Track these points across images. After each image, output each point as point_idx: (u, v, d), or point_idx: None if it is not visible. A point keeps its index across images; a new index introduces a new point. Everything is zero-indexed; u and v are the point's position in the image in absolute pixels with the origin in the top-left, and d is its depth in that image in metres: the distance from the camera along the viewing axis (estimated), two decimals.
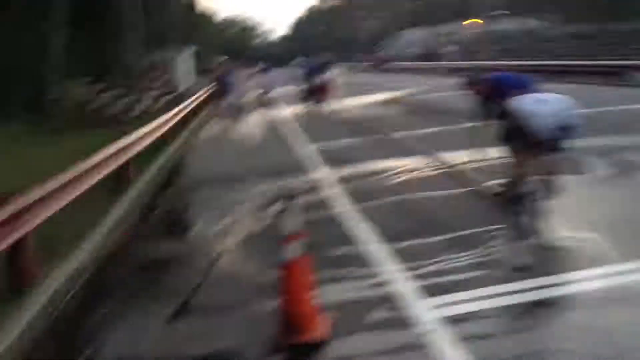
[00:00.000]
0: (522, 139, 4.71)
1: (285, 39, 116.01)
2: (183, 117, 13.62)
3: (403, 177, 6.84)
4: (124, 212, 6.13)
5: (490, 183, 5.86)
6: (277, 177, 7.38)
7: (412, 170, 7.13)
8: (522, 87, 5.11)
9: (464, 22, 56.79)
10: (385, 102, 17.49)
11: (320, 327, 3.20)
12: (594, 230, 4.45)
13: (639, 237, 4.35)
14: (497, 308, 3.36)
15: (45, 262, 4.33)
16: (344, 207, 5.74)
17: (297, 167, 8.07)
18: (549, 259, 4.10)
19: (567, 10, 45.94)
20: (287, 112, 16.91)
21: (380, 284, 3.82)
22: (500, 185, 5.44)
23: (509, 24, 52.36)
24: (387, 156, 8.14)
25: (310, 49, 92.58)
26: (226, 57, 45.46)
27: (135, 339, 3.43)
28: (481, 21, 54.54)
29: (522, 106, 4.65)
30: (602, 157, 6.79)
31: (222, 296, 3.97)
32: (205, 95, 20.24)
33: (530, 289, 3.57)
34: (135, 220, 6.18)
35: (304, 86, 17.52)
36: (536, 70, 20.99)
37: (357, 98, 18.82)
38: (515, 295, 3.51)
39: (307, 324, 3.17)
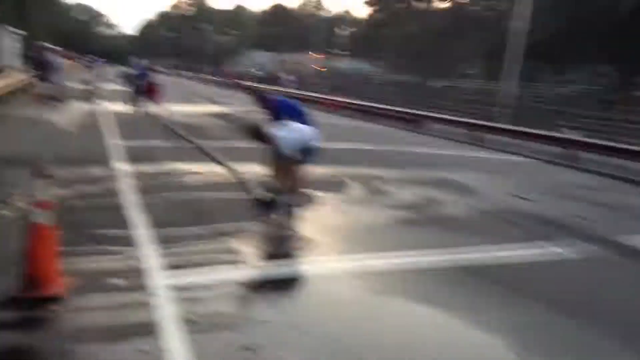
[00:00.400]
0: (278, 157, 5.67)
1: (133, 38, 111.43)
2: None
3: (190, 179, 7.41)
4: None
5: (257, 190, 6.66)
6: (77, 165, 7.49)
7: (200, 174, 7.74)
8: (294, 114, 6.09)
9: (312, 54, 60.44)
10: (210, 114, 18.01)
11: (58, 286, 3.58)
12: (326, 233, 5.47)
13: (356, 240, 5.44)
14: (223, 282, 4.06)
15: None
16: (129, 197, 6.12)
17: (101, 159, 8.21)
18: (290, 249, 4.99)
19: (397, 60, 51.42)
20: (111, 107, 16.56)
21: (130, 258, 4.30)
22: (263, 192, 6.27)
23: (347, 64, 56.98)
24: (185, 160, 8.64)
25: (157, 52, 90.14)
26: (57, 46, 42.39)
27: None
28: (322, 56, 58.51)
29: (278, 131, 5.60)
30: (362, 183, 8.07)
31: None
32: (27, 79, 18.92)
33: (260, 269, 4.37)
34: None
35: (133, 86, 17.39)
36: (356, 108, 23.45)
37: (185, 106, 19.12)
38: (244, 273, 4.26)
39: (45, 282, 3.53)
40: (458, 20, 43.49)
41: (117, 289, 3.78)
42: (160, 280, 3.94)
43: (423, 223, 6.23)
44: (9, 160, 7.73)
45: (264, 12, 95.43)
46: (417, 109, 21.06)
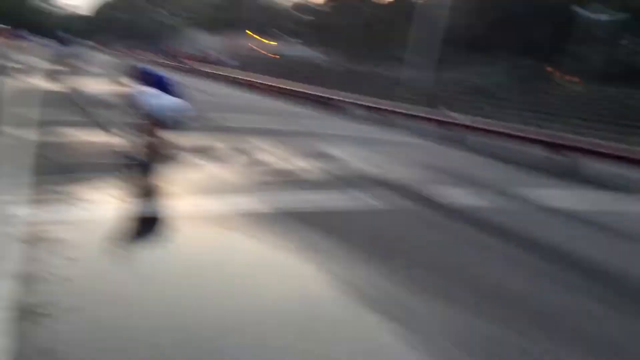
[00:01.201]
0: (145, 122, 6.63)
1: (86, 18, 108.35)
2: None
3: (84, 144, 8.22)
4: None
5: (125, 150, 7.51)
6: None
7: (92, 141, 8.55)
8: (159, 83, 7.03)
9: (262, 39, 60.90)
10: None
11: None
12: (182, 185, 6.45)
13: (203, 190, 6.41)
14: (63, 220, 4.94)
15: None
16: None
17: None
18: (143, 195, 5.92)
19: (342, 49, 52.68)
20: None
21: None
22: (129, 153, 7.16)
23: (296, 51, 57.72)
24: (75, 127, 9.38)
25: (112, 34, 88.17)
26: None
27: None
28: (275, 43, 59.08)
29: (142, 98, 6.54)
30: (239, 152, 9.07)
31: None
32: None
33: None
34: None
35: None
36: (278, 91, 24.58)
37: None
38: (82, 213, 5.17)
39: None
40: (399, 12, 44.97)
41: None
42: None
43: (272, 182, 7.25)
44: None
45: None
46: (345, 94, 22.26)
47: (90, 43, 39.63)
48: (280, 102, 21.99)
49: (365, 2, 53.15)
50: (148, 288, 3.75)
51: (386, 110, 18.38)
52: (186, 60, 42.02)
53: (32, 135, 8.30)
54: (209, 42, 64.92)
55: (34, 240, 4.17)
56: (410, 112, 17.94)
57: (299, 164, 8.60)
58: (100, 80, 18.95)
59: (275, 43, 63.42)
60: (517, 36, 26.91)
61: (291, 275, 4.28)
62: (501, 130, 14.55)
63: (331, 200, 6.55)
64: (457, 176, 9.44)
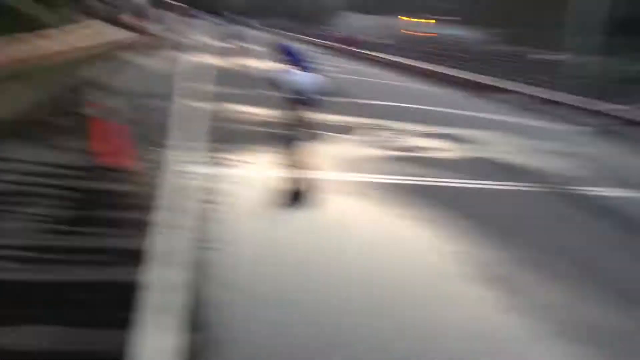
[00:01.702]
0: (290, 100, 7.48)
1: None
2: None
3: (246, 117, 9.42)
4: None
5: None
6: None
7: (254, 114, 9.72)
8: (300, 61, 7.90)
9: (420, 20, 59.95)
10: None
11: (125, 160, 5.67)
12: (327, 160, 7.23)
13: (349, 165, 7.09)
14: (227, 175, 5.96)
15: None
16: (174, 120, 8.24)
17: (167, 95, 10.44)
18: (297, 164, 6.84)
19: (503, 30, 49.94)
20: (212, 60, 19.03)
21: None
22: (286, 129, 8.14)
23: (452, 31, 56.06)
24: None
25: (261, 9, 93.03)
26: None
27: None
28: (433, 21, 57.85)
29: (287, 77, 7.39)
30: (379, 131, 9.63)
31: None
32: None
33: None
34: None
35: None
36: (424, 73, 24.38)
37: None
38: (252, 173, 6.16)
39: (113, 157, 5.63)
40: None
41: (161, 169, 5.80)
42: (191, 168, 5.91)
43: (405, 160, 7.73)
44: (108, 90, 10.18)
45: None
46: (506, 80, 21.60)
47: (253, 22, 42.61)
48: (428, 86, 21.97)
49: None
50: (295, 236, 4.56)
51: (545, 99, 17.52)
52: (340, 42, 42.06)
53: (205, 106, 9.71)
54: (365, 23, 65.27)
55: (207, 191, 5.23)
56: (572, 103, 16.91)
57: (434, 145, 8.94)
58: (259, 58, 20.65)
59: (430, 21, 61.99)
60: None
61: (416, 245, 4.79)
62: None
63: (457, 179, 6.88)
64: (610, 171, 9.01)
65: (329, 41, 39.73)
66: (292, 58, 8.06)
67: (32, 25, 11.18)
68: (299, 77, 7.55)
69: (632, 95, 17.51)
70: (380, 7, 76.98)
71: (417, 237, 4.91)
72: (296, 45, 9.07)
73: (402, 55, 35.55)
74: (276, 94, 8.32)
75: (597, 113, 15.24)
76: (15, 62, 8.94)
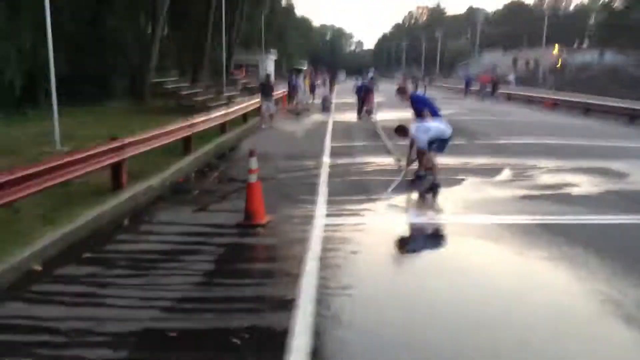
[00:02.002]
0: (418, 147, 7.77)
1: (371, 52, 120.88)
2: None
3: (367, 167, 9.79)
4: (184, 165, 9.55)
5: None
6: (294, 159, 10.62)
7: (376, 163, 10.05)
8: (429, 108, 8.14)
9: (554, 51, 57.42)
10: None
11: (263, 218, 6.28)
12: (459, 202, 7.25)
13: (481, 208, 7.04)
14: (362, 224, 6.29)
15: (130, 180, 7.74)
16: (322, 178, 8.82)
17: (313, 154, 11.22)
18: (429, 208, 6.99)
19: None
20: (338, 117, 20.09)
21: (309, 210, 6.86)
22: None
23: (586, 57, 52.69)
24: (372, 154, 11.07)
25: (393, 62, 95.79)
26: (306, 63, 49.76)
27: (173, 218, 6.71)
28: (559, 50, 55.07)
29: (423, 124, 7.70)
30: (514, 170, 9.37)
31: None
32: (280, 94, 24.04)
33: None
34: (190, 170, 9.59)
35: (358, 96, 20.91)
36: (570, 105, 22.96)
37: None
38: (383, 219, 6.44)
39: (256, 215, 6.27)
40: None
41: (295, 223, 6.33)
42: (321, 221, 6.37)
43: (544, 198, 7.43)
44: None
45: (497, 11, 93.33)
46: None
47: (376, 73, 43.97)
48: (574, 118, 20.83)
49: None
50: (418, 282, 4.66)
51: None
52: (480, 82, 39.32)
53: (340, 161, 10.31)
54: (498, 61, 63.87)
55: (334, 239, 5.60)
56: None
57: (575, 181, 8.48)
58: (388, 109, 21.24)
59: (560, 50, 58.80)
60: None
61: (549, 286, 4.62)
62: None
63: (600, 215, 6.45)
64: None
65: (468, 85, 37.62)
66: (420, 106, 8.37)
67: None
68: (428, 125, 7.87)
69: None
70: (511, 42, 75.44)
71: (551, 278, 4.73)
72: (423, 93, 9.45)
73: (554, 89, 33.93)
74: (407, 142, 8.63)
75: None
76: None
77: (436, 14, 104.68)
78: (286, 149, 12.25)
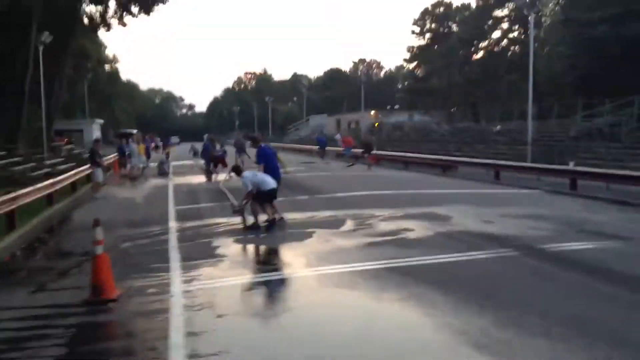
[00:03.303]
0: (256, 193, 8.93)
1: (203, 115, 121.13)
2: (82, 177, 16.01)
3: (215, 229, 9.74)
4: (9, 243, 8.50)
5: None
6: (138, 225, 10.09)
7: (222, 224, 10.05)
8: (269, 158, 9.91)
9: (371, 112, 63.28)
10: None
11: (112, 293, 5.84)
12: (305, 254, 7.51)
13: (327, 258, 7.39)
14: (221, 285, 6.18)
15: None
16: (171, 243, 8.51)
17: (157, 220, 10.78)
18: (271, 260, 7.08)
19: (444, 110, 53.25)
20: (178, 180, 19.62)
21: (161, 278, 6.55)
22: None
23: (398, 118, 59.26)
24: (218, 215, 11.04)
25: (225, 126, 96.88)
26: (135, 130, 48.21)
27: None
28: (374, 114, 61.15)
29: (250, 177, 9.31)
30: (355, 220, 10.07)
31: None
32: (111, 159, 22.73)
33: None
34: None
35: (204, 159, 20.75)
36: (391, 159, 25.45)
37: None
38: (238, 279, 6.38)
39: (104, 290, 5.80)
40: (493, 66, 44.98)
41: (150, 293, 5.99)
42: (178, 287, 6.12)
43: (386, 244, 8.08)
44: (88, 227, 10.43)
45: (319, 78, 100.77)
46: (452, 155, 22.66)
47: (211, 136, 44.21)
48: (398, 171, 22.99)
49: (453, 64, 53.68)
50: (287, 338, 4.71)
51: (492, 165, 18.53)
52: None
53: (189, 224, 10.06)
54: (320, 122, 68.33)
55: (195, 305, 5.44)
56: (520, 165, 17.97)
57: (409, 226, 9.36)
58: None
59: (376, 113, 65.35)
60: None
61: (404, 324, 5.01)
62: (617, 173, 14.17)
63: (436, 255, 7.22)
64: (574, 224, 9.55)
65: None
66: (260, 160, 10.09)
67: None
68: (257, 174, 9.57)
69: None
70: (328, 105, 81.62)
71: (407, 316, 5.14)
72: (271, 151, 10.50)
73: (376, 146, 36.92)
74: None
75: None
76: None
77: (263, 79, 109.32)
78: (127, 216, 11.61)
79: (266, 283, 6.39)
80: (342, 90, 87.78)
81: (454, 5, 59.96)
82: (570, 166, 14.96)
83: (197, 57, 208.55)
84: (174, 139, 66.29)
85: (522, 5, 23.37)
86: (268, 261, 7.59)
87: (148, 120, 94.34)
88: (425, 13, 61.21)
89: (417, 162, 23.94)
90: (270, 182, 9.61)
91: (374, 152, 25.73)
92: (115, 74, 65.67)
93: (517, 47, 48.58)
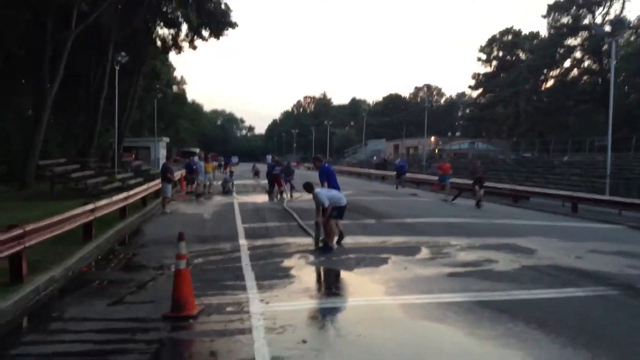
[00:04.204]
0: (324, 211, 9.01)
1: (262, 137, 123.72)
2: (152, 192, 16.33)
3: (284, 248, 9.51)
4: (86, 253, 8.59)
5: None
6: (213, 242, 10.03)
7: (290, 244, 9.82)
8: (331, 177, 9.86)
9: (431, 138, 62.62)
10: None
11: (193, 309, 5.68)
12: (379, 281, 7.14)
13: (404, 286, 6.98)
14: (299, 308, 5.90)
15: (31, 272, 6.75)
16: (244, 261, 8.34)
17: (227, 237, 10.71)
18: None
19: (510, 138, 51.70)
20: (242, 198, 19.73)
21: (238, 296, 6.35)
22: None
23: (461, 145, 58.15)
24: (286, 234, 10.84)
25: (284, 148, 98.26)
26: (198, 149, 49.53)
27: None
28: (433, 140, 60.36)
29: (325, 192, 9.28)
30: (431, 248, 9.60)
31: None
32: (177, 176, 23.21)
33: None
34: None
35: (268, 178, 20.89)
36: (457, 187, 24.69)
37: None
38: (315, 301, 6.09)
39: (185, 306, 5.65)
40: (562, 96, 43.32)
41: (229, 312, 5.79)
42: (257, 307, 5.90)
43: (470, 275, 7.58)
44: (160, 241, 10.51)
45: (378, 102, 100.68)
46: (527, 185, 21.66)
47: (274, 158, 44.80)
48: (461, 198, 22.24)
49: (521, 92, 52.13)
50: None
51: (569, 197, 17.51)
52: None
53: (258, 242, 9.91)
54: (378, 147, 68.21)
55: (276, 328, 5.18)
56: (599, 198, 16.90)
57: (490, 257, 8.81)
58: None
59: (435, 140, 64.43)
60: None
61: None
62: None
63: (528, 290, 6.67)
64: None
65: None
66: (323, 178, 9.97)
67: None
68: (328, 191, 9.50)
69: None
70: (390, 132, 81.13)
71: (509, 357, 4.67)
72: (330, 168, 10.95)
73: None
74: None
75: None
76: None
77: (322, 103, 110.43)
78: (197, 231, 11.61)
79: (347, 309, 6.06)
80: (400, 116, 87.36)
81: (523, 33, 58.52)
82: None
83: (259, 80, 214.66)
84: (234, 159, 67.83)
85: (600, 33, 22.33)
86: (346, 286, 7.24)
87: (210, 140, 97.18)
88: (492, 40, 60.14)
89: (487, 191, 23.03)
90: (343, 198, 9.43)
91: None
92: (182, 95, 68.03)
93: (587, 77, 46.73)
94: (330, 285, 7.27)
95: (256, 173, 35.58)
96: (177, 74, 65.86)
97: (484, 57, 60.73)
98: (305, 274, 7.69)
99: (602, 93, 38.96)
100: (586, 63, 47.93)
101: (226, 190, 22.75)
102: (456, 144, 58.06)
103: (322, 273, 7.91)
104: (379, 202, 18.79)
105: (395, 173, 29.61)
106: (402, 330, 5.37)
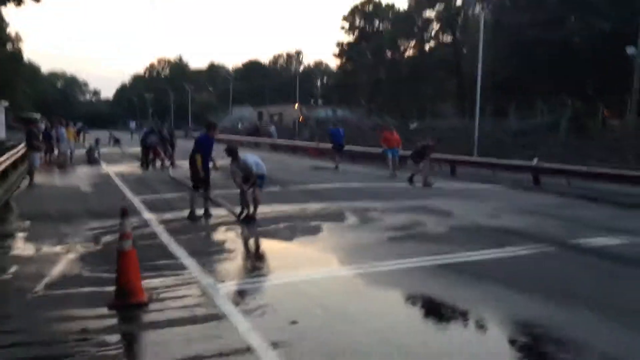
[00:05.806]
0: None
1: (110, 102, 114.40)
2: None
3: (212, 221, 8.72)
4: None
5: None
6: (112, 217, 8.76)
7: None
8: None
9: (294, 106, 62.59)
10: None
11: (142, 295, 4.79)
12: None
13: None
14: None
15: None
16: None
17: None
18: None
19: (371, 105, 53.98)
20: (113, 168, 17.87)
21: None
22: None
23: (325, 112, 59.21)
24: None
25: (137, 113, 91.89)
26: (38, 114, 44.32)
27: None
28: (296, 107, 60.80)
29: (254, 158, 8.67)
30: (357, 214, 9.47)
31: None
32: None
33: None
34: None
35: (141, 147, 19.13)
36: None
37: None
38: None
39: (134, 292, 4.74)
40: (422, 66, 46.21)
41: (181, 296, 5.01)
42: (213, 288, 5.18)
43: (410, 238, 7.53)
44: (48, 216, 9.02)
45: (238, 69, 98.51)
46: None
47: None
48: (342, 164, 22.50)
49: (380, 59, 54.48)
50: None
51: (449, 160, 18.56)
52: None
53: (167, 216, 8.90)
54: (242, 114, 66.94)
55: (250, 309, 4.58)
56: (474, 160, 18.17)
57: (413, 218, 8.89)
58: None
59: (299, 107, 64.99)
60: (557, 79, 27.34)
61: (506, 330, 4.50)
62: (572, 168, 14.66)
63: (473, 251, 6.77)
64: (572, 220, 9.52)
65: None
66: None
67: None
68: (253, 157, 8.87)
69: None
70: (252, 99, 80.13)
71: (505, 318, 4.63)
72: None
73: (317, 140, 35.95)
74: None
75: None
76: None
77: (179, 67, 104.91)
78: (85, 206, 10.18)
79: (315, 282, 5.55)
80: (261, 83, 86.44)
81: (384, 4, 60.68)
82: (534, 162, 15.21)
83: (106, 40, 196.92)
84: (79, 125, 61.61)
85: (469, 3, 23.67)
86: (295, 257, 6.68)
87: (50, 105, 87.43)
88: (355, 10, 61.57)
89: (360, 155, 23.56)
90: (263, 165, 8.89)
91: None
92: (17, 54, 59.55)
93: (442, 47, 50.07)
94: (278, 257, 6.67)
95: (116, 141, 32.78)
96: (12, 30, 57.25)
97: (347, 25, 62.05)
98: (244, 247, 7.05)
99: (455, 63, 42.11)
100: (442, 36, 51.32)
101: (92, 160, 20.45)
102: (322, 112, 58.85)
103: (261, 245, 7.31)
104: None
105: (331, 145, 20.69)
106: (383, 301, 5.07)
